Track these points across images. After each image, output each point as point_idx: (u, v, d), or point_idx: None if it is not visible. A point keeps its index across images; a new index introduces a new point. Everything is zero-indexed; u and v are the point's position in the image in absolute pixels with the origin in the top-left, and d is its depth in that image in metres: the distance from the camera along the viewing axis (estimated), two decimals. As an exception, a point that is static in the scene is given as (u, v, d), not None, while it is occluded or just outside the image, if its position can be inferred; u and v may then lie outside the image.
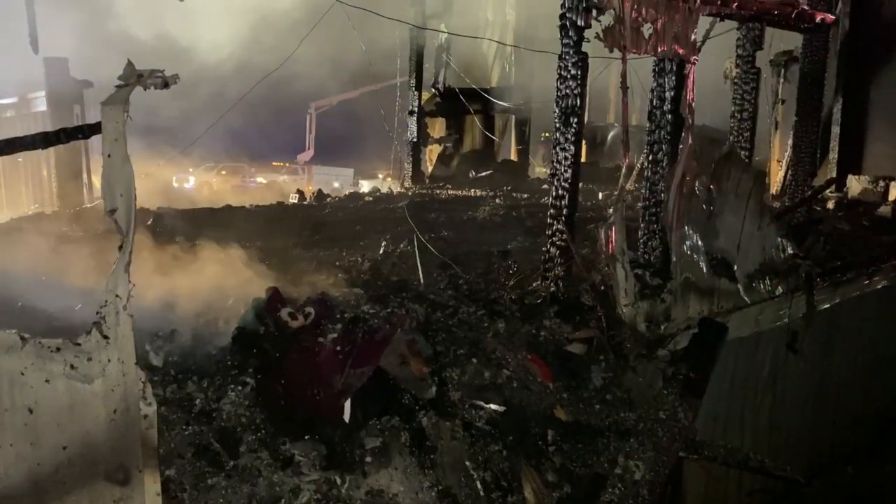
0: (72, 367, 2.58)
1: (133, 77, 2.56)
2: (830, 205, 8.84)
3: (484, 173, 13.23)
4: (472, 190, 11.91)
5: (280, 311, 3.79)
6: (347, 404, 3.56)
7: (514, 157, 14.83)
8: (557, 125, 4.88)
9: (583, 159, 15.12)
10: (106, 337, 2.61)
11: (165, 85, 2.63)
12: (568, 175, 4.88)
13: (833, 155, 8.84)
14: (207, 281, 4.74)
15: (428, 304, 4.56)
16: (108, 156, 2.50)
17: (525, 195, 11.05)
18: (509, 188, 11.82)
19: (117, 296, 2.60)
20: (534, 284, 5.08)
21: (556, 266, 4.94)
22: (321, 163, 33.43)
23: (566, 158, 4.86)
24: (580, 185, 12.07)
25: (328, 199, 11.13)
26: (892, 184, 8.51)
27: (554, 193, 4.96)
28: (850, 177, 8.88)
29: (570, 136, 4.82)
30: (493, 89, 14.04)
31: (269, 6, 11.07)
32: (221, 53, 13.67)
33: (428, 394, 3.79)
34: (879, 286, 7.41)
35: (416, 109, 12.65)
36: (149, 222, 8.45)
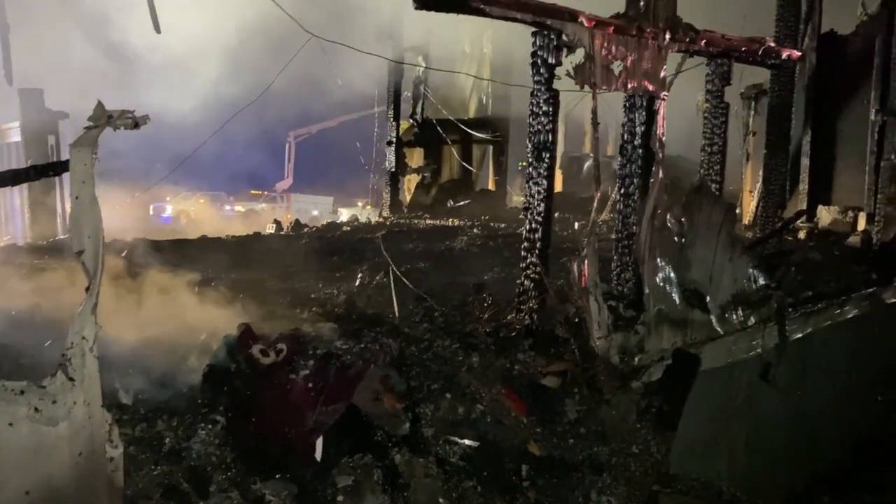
0: (36, 409, 2.54)
1: (103, 118, 2.56)
2: (802, 235, 8.97)
3: (462, 203, 13.32)
4: (450, 219, 11.97)
5: (251, 348, 3.77)
6: (319, 442, 3.53)
7: (491, 186, 14.95)
8: (530, 160, 4.94)
9: (559, 189, 15.32)
10: (72, 379, 2.58)
11: (136, 125, 2.64)
12: (541, 209, 4.92)
13: (803, 186, 8.99)
14: (180, 316, 4.71)
15: (402, 339, 4.56)
16: (76, 197, 2.50)
17: (502, 224, 11.13)
18: (487, 218, 11.90)
19: (84, 338, 2.57)
20: (509, 317, 5.09)
21: (531, 299, 4.97)
22: (300, 191, 33.46)
23: (539, 192, 4.91)
24: (556, 214, 12.21)
25: (305, 230, 11.13)
26: (861, 214, 8.66)
27: (527, 227, 5.00)
28: (820, 207, 9.04)
29: (542, 171, 4.88)
30: (470, 120, 14.18)
31: (247, 35, 11.14)
32: (199, 81, 13.70)
33: (401, 430, 3.77)
34: (850, 315, 7.51)
35: (393, 140, 12.74)
36: (123, 254, 8.39)
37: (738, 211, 10.52)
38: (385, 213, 12.68)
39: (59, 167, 2.70)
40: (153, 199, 25.72)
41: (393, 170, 12.75)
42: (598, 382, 4.63)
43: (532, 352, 4.72)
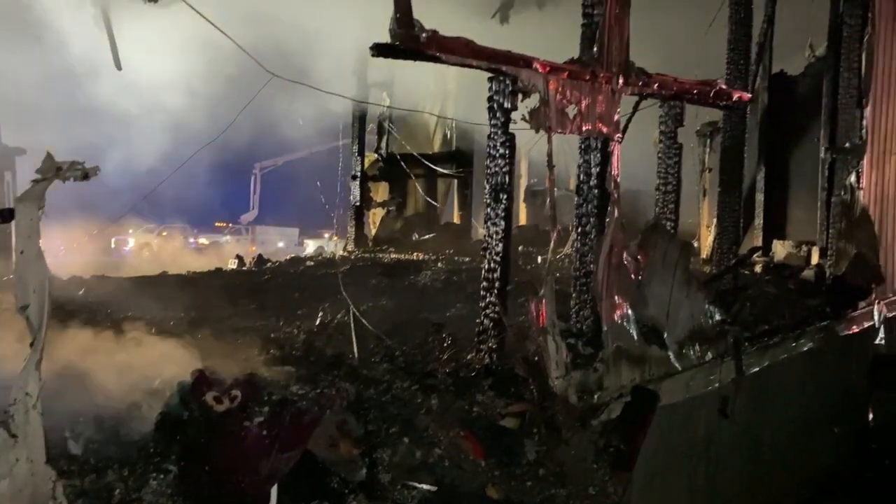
0: (-23, 467, 2.49)
1: (51, 170, 2.55)
2: (758, 269, 9.16)
3: (427, 236, 13.37)
4: (415, 253, 12.00)
5: (206, 395, 3.73)
6: (274, 490, 3.49)
7: (457, 220, 15.04)
8: (488, 201, 5.00)
9: (523, 222, 15.43)
10: (14, 436, 2.53)
11: (85, 177, 2.63)
12: (499, 249, 4.98)
13: (758, 221, 9.22)
14: (134, 360, 4.64)
15: (361, 381, 4.54)
16: (22, 252, 2.47)
17: (467, 259, 11.19)
18: (452, 251, 11.95)
19: (27, 394, 2.53)
20: (468, 357, 5.11)
21: (490, 338, 5.00)
22: (265, 223, 33.26)
23: (497, 233, 4.97)
24: (520, 248, 12.31)
25: (268, 265, 11.06)
26: (814, 248, 8.88)
27: (486, 266, 5.05)
28: (775, 242, 9.26)
29: (500, 212, 4.95)
30: (435, 154, 14.31)
31: (212, 71, 11.15)
32: (161, 116, 13.64)
33: (358, 476, 3.75)
34: (806, 348, 7.67)
35: (358, 174, 12.79)
36: (80, 292, 8.25)
37: (696, 245, 10.74)
38: (350, 247, 12.67)
39: (9, 214, 2.66)
40: (115, 232, 25.36)
41: (358, 204, 12.78)
42: (556, 422, 4.65)
43: (492, 392, 4.73)
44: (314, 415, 3.76)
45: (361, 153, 12.82)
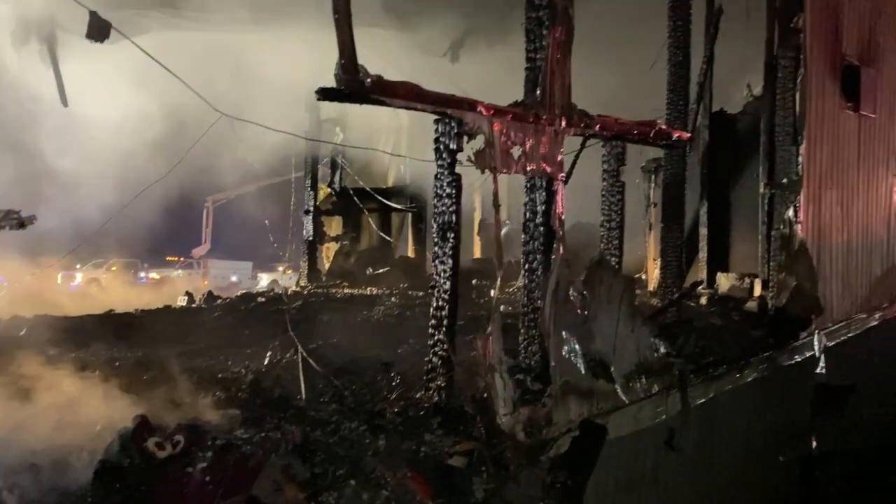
0: None
1: (-15, 219, 2.52)
2: (703, 301, 9.38)
3: (381, 270, 13.37)
4: (369, 288, 11.99)
5: (147, 441, 3.67)
6: (217, 538, 3.44)
7: (411, 253, 15.08)
8: (436, 240, 5.07)
9: (477, 255, 15.53)
10: (-58, 492, 2.46)
11: (21, 225, 2.61)
12: (447, 286, 5.03)
13: (703, 254, 9.46)
14: (75, 405, 4.54)
15: (308, 423, 4.52)
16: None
17: (421, 293, 11.22)
18: (405, 286, 11.97)
19: (-44, 448, 2.47)
20: (417, 395, 5.12)
21: (439, 376, 5.02)
22: (218, 257, 32.74)
23: (445, 271, 5.03)
24: (473, 281, 12.37)
25: (218, 301, 10.92)
26: (757, 280, 9.14)
27: (434, 304, 5.09)
28: (719, 274, 9.50)
29: (447, 251, 5.01)
30: (389, 189, 14.38)
31: (160, 107, 11.08)
32: (109, 152, 13.44)
33: (303, 520, 3.71)
34: (750, 379, 7.85)
35: (311, 209, 12.78)
36: (21, 333, 8.04)
37: (644, 277, 10.96)
38: (303, 282, 12.60)
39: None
40: (62, 267, 24.72)
41: (311, 238, 12.75)
42: (504, 459, 4.68)
43: (440, 430, 4.75)
44: (259, 459, 3.73)
45: (314, 188, 12.83)
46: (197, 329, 8.63)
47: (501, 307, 9.20)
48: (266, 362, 6.34)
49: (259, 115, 8.87)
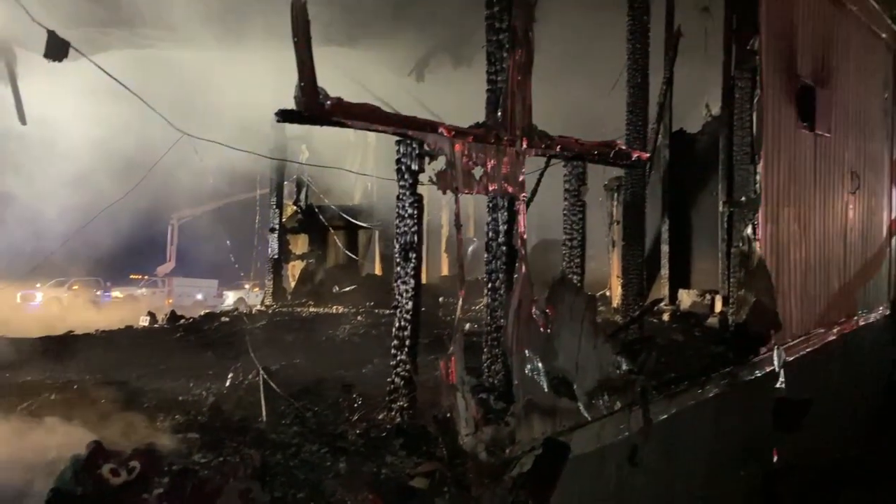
0: None
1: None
2: (666, 317, 9.52)
3: (348, 288, 13.33)
4: (335, 307, 11.94)
5: (101, 468, 3.60)
6: (173, 566, 3.38)
7: (378, 271, 15.06)
8: (398, 260, 5.08)
9: (445, 272, 15.54)
10: None
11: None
12: (409, 307, 5.04)
13: (665, 271, 9.61)
14: (29, 433, 4.44)
15: (268, 446, 4.48)
16: None
17: (387, 311, 11.19)
18: (372, 304, 11.94)
19: None
20: (380, 416, 5.10)
21: (401, 397, 5.01)
22: (183, 274, 32.36)
23: (407, 291, 5.04)
24: (440, 299, 12.38)
25: (181, 321, 10.78)
26: (717, 297, 9.30)
27: (397, 325, 5.09)
28: (681, 291, 9.65)
29: (409, 271, 5.03)
30: (356, 206, 14.37)
31: (123, 125, 10.97)
32: (71, 170, 13.26)
33: (262, 546, 3.67)
34: (712, 394, 7.97)
35: (276, 227, 12.71)
36: (-24, 355, 7.85)
37: (608, 294, 11.07)
38: (268, 301, 12.50)
39: None
40: (22, 286, 24.22)
41: (276, 257, 12.67)
42: (467, 479, 4.67)
43: (403, 452, 4.73)
44: (217, 484, 3.68)
45: (280, 205, 12.77)
46: (159, 350, 8.51)
47: (468, 325, 9.27)
48: (227, 384, 6.26)
49: (223, 133, 8.84)
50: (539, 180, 7.14)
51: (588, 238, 11.26)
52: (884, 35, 14.45)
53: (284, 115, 4.07)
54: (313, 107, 3.97)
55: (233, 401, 5.71)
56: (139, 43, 9.46)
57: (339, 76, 11.61)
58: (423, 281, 14.86)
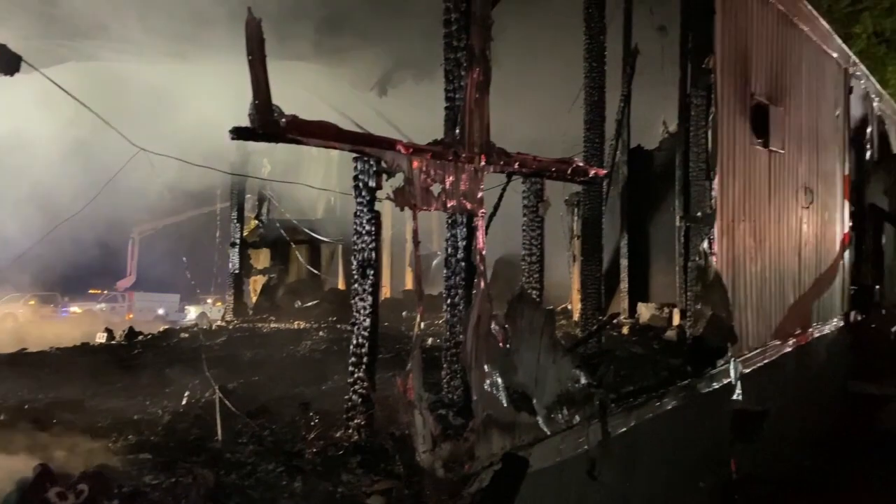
0: None
1: None
2: (625, 330, 9.63)
3: (310, 303, 13.24)
4: (297, 322, 11.85)
5: (48, 492, 3.53)
6: (121, 591, 3.32)
7: (341, 286, 14.99)
8: (356, 276, 5.07)
9: (408, 287, 15.51)
10: None
11: None
12: (367, 324, 5.04)
13: (624, 285, 9.74)
14: (-26, 455, 4.32)
15: (223, 466, 4.42)
16: None
17: (350, 326, 11.12)
18: (335, 319, 11.88)
19: None
20: (337, 434, 5.08)
21: (359, 414, 5.00)
22: (144, 289, 31.83)
23: (365, 308, 5.04)
24: (403, 313, 12.37)
25: (140, 338, 10.60)
26: (675, 310, 9.44)
27: (354, 342, 5.08)
28: (639, 304, 9.79)
29: (367, 287, 5.02)
30: (318, 220, 14.31)
31: (80, 139, 10.80)
32: (27, 185, 13.01)
33: (214, 568, 3.62)
34: (670, 406, 8.08)
35: (237, 241, 12.60)
36: (-77, 375, 7.63)
37: (569, 307, 11.17)
38: (229, 317, 12.36)
39: None
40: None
41: (237, 272, 12.55)
42: (424, 497, 4.66)
43: (360, 469, 4.71)
44: (167, 506, 3.63)
45: (241, 220, 12.67)
46: (115, 367, 8.35)
47: (430, 340, 9.26)
48: (184, 402, 6.17)
49: (183, 146, 8.75)
50: (501, 196, 7.21)
51: (551, 252, 11.41)
52: (835, 54, 14.88)
53: (239, 133, 4.05)
54: (268, 125, 3.96)
55: (189, 420, 5.63)
56: (96, 55, 9.34)
57: (300, 91, 11.60)
58: (387, 295, 14.90)
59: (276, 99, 4.41)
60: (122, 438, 4.96)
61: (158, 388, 7.13)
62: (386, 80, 12.44)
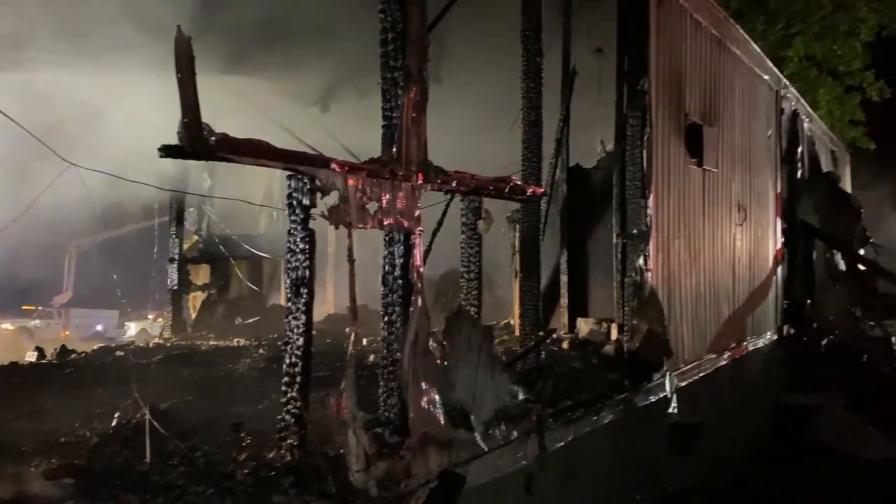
0: None
1: None
2: (565, 345, 9.77)
3: (251, 320, 13.06)
4: (237, 339, 11.66)
5: (-39, 521, 3.40)
6: None
7: (283, 302, 14.77)
8: (289, 295, 5.04)
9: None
10: None
11: None
12: (300, 343, 5.00)
13: (564, 300, 9.88)
14: None
15: (151, 489, 4.33)
16: None
17: (283, 346, 10.97)
18: (275, 336, 11.73)
19: None
20: (270, 455, 5.02)
21: (292, 434, 4.95)
22: (82, 305, 30.86)
23: (298, 327, 5.01)
24: (346, 329, 12.26)
25: (72, 356, 10.28)
26: (613, 325, 9.62)
27: (287, 361, 5.04)
28: (579, 319, 9.94)
29: (301, 306, 5.00)
30: (260, 235, 14.15)
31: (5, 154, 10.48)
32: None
33: None
34: (608, 420, 8.21)
35: (175, 257, 12.36)
36: None
37: (512, 323, 11.27)
38: (167, 334, 12.10)
39: None
40: None
41: (175, 288, 12.30)
42: (357, 517, 4.64)
43: (292, 490, 4.66)
44: (88, 533, 3.53)
45: (179, 235, 12.44)
46: (46, 388, 8.08)
47: (371, 357, 9.22)
48: (114, 424, 6.02)
49: (119, 161, 8.57)
50: (444, 213, 7.29)
51: (497, 268, 11.50)
52: (766, 77, 15.46)
53: (168, 151, 4.00)
54: (197, 143, 3.92)
55: (118, 442, 5.49)
56: (20, 65, 9.08)
57: (244, 106, 11.50)
58: (332, 311, 14.76)
59: (218, 113, 4.38)
60: (46, 462, 4.81)
61: (89, 409, 6.93)
62: (329, 95, 12.42)
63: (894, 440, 14.25)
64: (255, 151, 4.35)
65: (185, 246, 12.92)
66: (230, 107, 10.87)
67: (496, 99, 9.68)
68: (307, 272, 4.96)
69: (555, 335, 9.46)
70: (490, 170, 7.33)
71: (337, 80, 11.80)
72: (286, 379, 5.02)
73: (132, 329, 27.45)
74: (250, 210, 14.27)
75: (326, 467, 4.76)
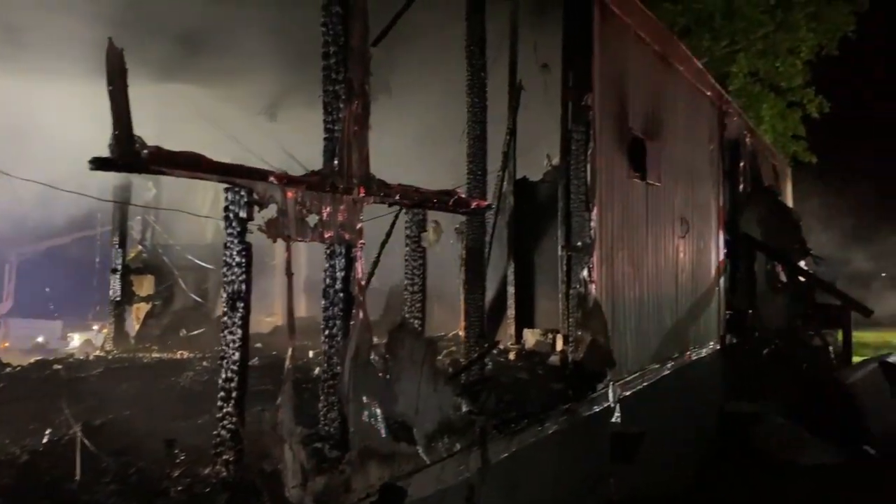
0: None
1: None
2: (512, 356, 9.84)
3: (196, 332, 12.83)
4: (181, 352, 11.45)
5: None
6: None
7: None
8: (225, 309, 4.99)
9: (302, 314, 15.30)
10: None
11: None
12: (236, 357, 4.95)
13: (511, 312, 9.96)
14: None
15: (78, 508, 4.22)
16: None
17: (219, 361, 10.80)
18: (220, 349, 11.55)
19: None
20: (205, 471, 4.94)
21: (227, 450, 4.88)
22: (23, 315, 29.83)
23: (234, 342, 4.95)
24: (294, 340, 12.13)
25: (7, 370, 9.95)
26: (559, 336, 9.73)
27: (223, 376, 4.98)
28: (525, 330, 10.03)
29: (237, 320, 4.95)
30: (206, 245, 13.91)
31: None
32: None
33: None
34: (552, 431, 8.29)
35: (118, 267, 12.10)
36: None
37: (460, 334, 11.31)
38: (108, 347, 11.81)
39: None
40: None
41: (118, 299, 12.03)
42: (294, 533, 4.60)
43: (229, 506, 4.60)
44: (8, 556, 3.43)
45: (123, 245, 12.18)
46: (-25, 403, 7.82)
47: (318, 370, 9.14)
48: (45, 440, 5.85)
49: (56, 169, 8.35)
50: (391, 229, 7.30)
51: (445, 280, 11.52)
52: (708, 93, 15.88)
53: (99, 164, 3.93)
54: (128, 156, 3.87)
55: (49, 459, 5.34)
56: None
57: (191, 115, 11.34)
58: (279, 323, 14.55)
59: (159, 122, 4.32)
60: (-31, 482, 4.65)
61: (21, 425, 6.72)
62: (275, 104, 12.32)
63: (830, 447, 14.69)
64: (189, 164, 4.31)
65: (130, 256, 12.65)
66: (177, 116, 10.71)
67: (445, 112, 9.73)
68: (244, 286, 4.91)
69: (500, 346, 9.52)
70: (441, 182, 7.39)
71: (282, 90, 11.73)
72: (222, 394, 4.96)
73: (76, 340, 26.64)
74: (196, 219, 14.01)
75: (262, 483, 4.71)
